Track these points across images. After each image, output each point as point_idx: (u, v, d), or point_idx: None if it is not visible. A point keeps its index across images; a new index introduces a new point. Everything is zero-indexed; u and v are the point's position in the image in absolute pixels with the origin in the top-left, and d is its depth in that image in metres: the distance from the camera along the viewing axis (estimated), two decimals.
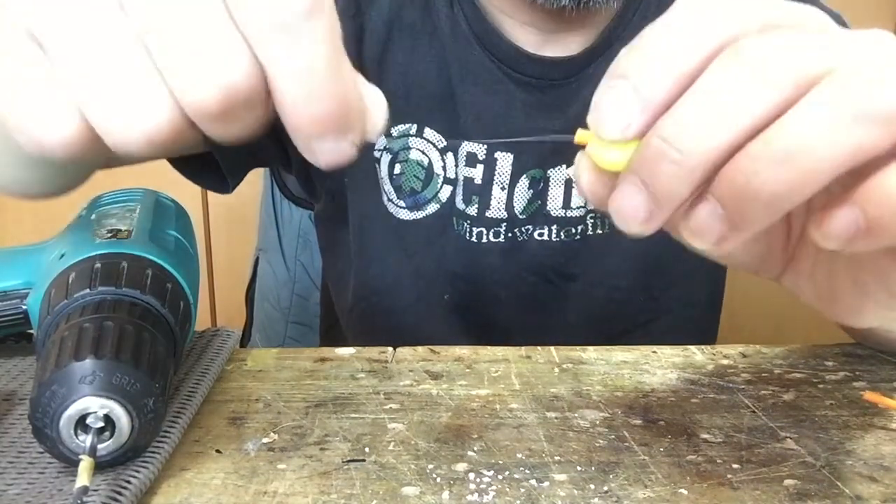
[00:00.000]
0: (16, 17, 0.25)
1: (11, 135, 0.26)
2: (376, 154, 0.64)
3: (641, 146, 0.26)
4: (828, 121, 0.23)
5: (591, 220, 0.66)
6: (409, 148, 0.64)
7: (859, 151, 0.23)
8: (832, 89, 0.23)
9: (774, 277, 0.32)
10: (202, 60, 0.24)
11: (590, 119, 0.27)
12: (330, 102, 0.25)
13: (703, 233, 0.26)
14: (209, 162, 0.61)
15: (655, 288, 0.69)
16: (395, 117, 0.64)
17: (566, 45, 0.63)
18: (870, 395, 0.45)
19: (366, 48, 0.63)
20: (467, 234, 0.65)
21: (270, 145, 0.64)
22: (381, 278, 0.68)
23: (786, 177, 0.24)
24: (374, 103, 0.28)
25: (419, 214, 0.65)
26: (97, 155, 0.26)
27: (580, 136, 0.28)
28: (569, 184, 0.65)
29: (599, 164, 0.28)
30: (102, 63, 0.25)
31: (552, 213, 0.65)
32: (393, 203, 0.65)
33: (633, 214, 0.26)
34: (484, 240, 0.65)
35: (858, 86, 0.23)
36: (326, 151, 0.26)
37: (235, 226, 1.58)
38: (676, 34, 0.25)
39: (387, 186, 0.65)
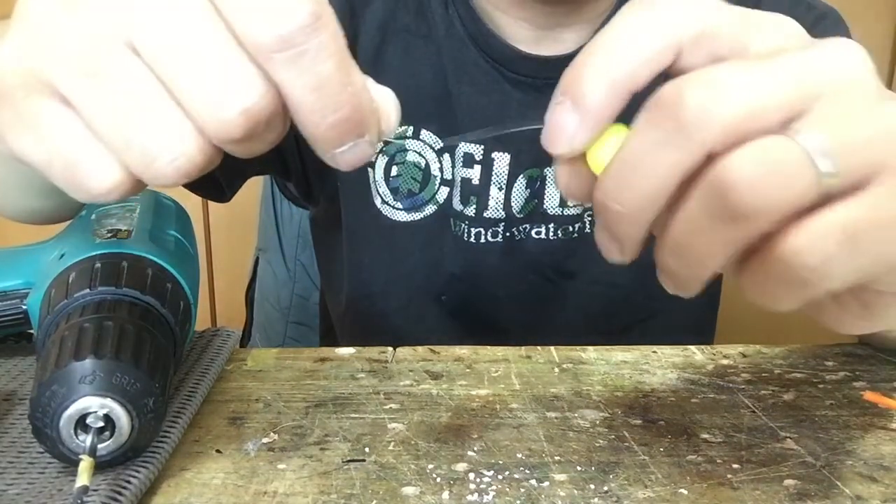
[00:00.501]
0: (38, 77, 0.27)
1: (58, 186, 0.28)
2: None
3: (593, 197, 0.28)
4: (698, 223, 0.25)
5: (589, 218, 0.66)
6: (405, 150, 0.64)
7: (735, 244, 0.25)
8: (701, 193, 0.25)
9: None
10: (219, 90, 0.25)
11: (542, 139, 0.28)
12: (345, 110, 0.26)
13: (664, 282, 0.29)
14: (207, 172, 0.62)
15: (653, 284, 0.69)
16: None
17: (562, 42, 0.64)
18: (870, 395, 0.45)
19: (360, 51, 0.63)
20: (465, 235, 0.65)
21: (269, 157, 0.64)
22: (373, 281, 0.68)
23: (680, 264, 0.27)
24: (386, 101, 0.29)
25: (417, 216, 0.65)
26: (140, 190, 0.28)
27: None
28: None
29: (595, 171, 0.28)
30: (130, 112, 0.26)
31: (549, 211, 0.65)
32: (389, 205, 0.65)
33: (607, 249, 0.29)
34: (482, 240, 0.65)
35: (721, 188, 0.24)
36: (347, 154, 0.28)
37: (235, 226, 1.58)
38: (608, 43, 0.27)
39: (382, 189, 0.65)
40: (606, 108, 0.26)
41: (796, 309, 0.27)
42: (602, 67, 0.26)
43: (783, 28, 0.27)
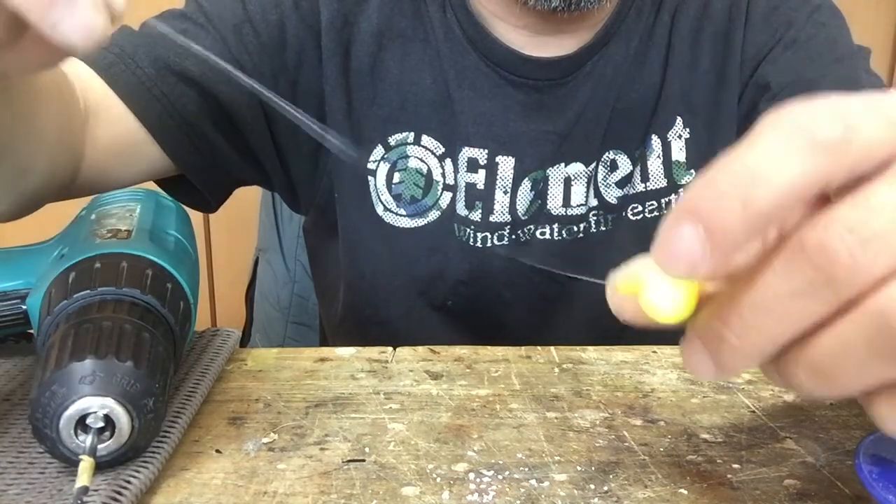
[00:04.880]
0: None
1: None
2: (371, 166, 0.64)
3: (706, 322, 0.25)
4: (854, 354, 0.22)
5: (594, 218, 0.66)
6: (407, 156, 0.64)
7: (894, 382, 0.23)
8: (862, 322, 0.22)
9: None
10: None
11: (654, 253, 0.24)
12: None
13: (795, 388, 0.26)
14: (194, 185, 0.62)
15: None
16: (392, 126, 0.64)
17: (561, 46, 0.63)
18: None
19: (354, 59, 0.63)
20: (471, 240, 0.65)
21: (247, 167, 0.64)
22: (375, 290, 0.68)
23: (817, 386, 0.24)
24: None
25: (421, 222, 0.65)
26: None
27: (624, 285, 0.27)
28: (568, 182, 0.65)
29: (652, 316, 0.26)
30: None
31: (552, 211, 0.65)
32: (392, 212, 0.65)
33: (702, 373, 0.26)
34: (489, 244, 0.65)
35: (887, 318, 0.21)
36: (65, 26, 0.25)
37: (235, 226, 1.58)
38: (755, 172, 0.22)
39: (385, 196, 0.65)
40: (742, 244, 0.23)
41: None
42: (748, 196, 0.22)
43: None
